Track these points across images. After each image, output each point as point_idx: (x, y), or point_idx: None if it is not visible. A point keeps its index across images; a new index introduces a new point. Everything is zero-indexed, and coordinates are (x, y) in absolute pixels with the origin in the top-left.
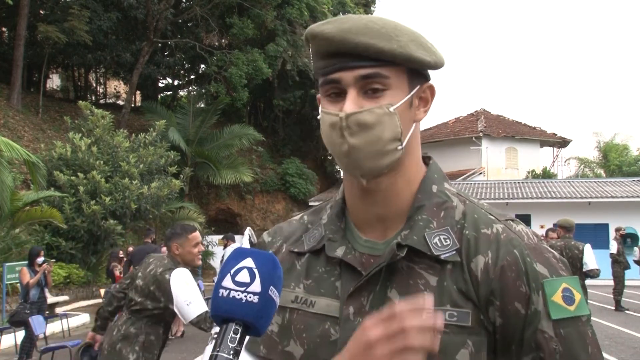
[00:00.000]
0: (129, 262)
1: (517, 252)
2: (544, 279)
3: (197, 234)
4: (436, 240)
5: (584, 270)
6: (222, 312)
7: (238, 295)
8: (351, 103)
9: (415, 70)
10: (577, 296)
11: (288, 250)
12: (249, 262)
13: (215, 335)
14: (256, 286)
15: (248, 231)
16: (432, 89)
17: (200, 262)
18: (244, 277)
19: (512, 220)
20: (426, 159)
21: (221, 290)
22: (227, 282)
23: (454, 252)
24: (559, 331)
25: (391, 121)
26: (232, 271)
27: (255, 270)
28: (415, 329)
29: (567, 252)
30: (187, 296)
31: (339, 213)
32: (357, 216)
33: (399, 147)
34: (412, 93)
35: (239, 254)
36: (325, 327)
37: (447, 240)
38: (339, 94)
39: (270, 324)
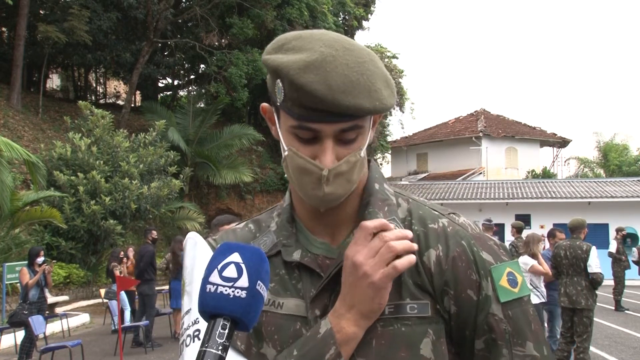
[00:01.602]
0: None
1: (465, 243)
2: (490, 266)
3: (227, 226)
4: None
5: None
6: (209, 307)
7: (225, 290)
8: (331, 155)
9: None
10: (519, 278)
11: None
12: (236, 257)
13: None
14: (244, 281)
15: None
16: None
17: None
18: (231, 272)
19: (454, 214)
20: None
21: (208, 286)
22: (215, 277)
23: None
24: (507, 312)
25: (361, 164)
26: (219, 266)
27: (243, 265)
28: (392, 238)
29: (571, 251)
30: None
31: (289, 219)
32: (307, 221)
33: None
34: (374, 127)
35: (226, 249)
36: (297, 328)
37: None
38: (310, 139)
39: None
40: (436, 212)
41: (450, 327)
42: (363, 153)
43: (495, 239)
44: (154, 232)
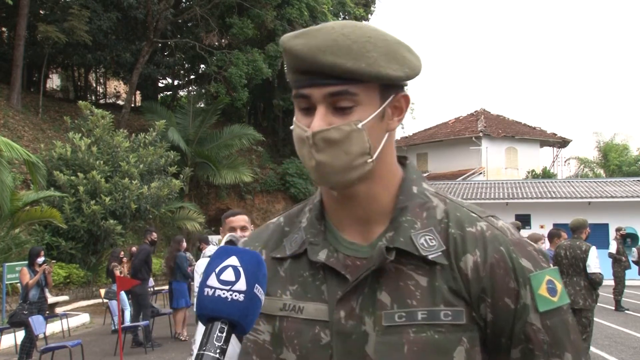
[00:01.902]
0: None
1: (504, 249)
2: (530, 274)
3: (235, 217)
4: (422, 240)
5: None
6: (207, 311)
7: (223, 294)
8: (319, 120)
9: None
10: (559, 286)
11: (269, 257)
12: (233, 260)
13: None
14: (241, 284)
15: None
16: (406, 99)
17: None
18: (229, 275)
19: (493, 217)
20: (402, 159)
21: (206, 289)
22: (212, 280)
23: (440, 254)
24: (545, 322)
25: (359, 137)
26: (216, 270)
27: (240, 269)
28: None
29: (571, 251)
30: (196, 287)
31: (318, 216)
32: (337, 218)
33: (369, 161)
34: (383, 105)
35: (224, 253)
36: (315, 332)
37: (433, 240)
38: (309, 109)
39: (262, 333)
40: (474, 215)
41: (485, 334)
42: (362, 126)
43: (535, 245)
44: (154, 234)
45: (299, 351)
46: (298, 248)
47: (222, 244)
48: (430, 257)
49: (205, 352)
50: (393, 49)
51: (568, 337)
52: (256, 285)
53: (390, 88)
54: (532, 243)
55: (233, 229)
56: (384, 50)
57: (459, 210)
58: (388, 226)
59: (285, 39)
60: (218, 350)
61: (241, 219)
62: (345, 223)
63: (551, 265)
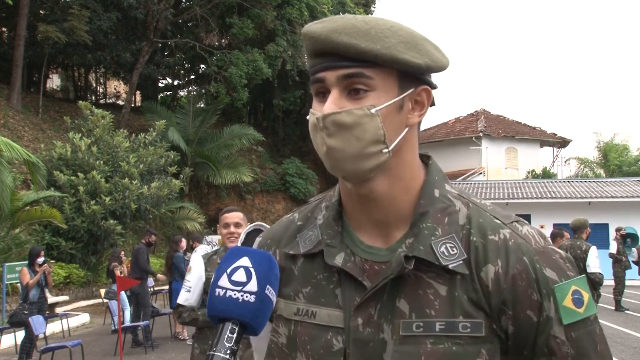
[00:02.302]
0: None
1: (527, 259)
2: (554, 285)
3: (230, 214)
4: (443, 249)
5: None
6: (218, 311)
7: (234, 294)
8: (331, 103)
9: (409, 73)
10: (586, 296)
11: (283, 253)
12: (245, 261)
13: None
14: (253, 285)
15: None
16: (428, 93)
17: (232, 244)
18: (240, 276)
19: (518, 222)
20: (425, 158)
21: (217, 290)
22: (224, 281)
23: (461, 262)
24: (570, 335)
25: (372, 123)
26: (228, 270)
27: (252, 270)
28: None
29: (571, 252)
30: (187, 282)
31: (335, 216)
32: (355, 220)
33: (384, 150)
34: (402, 96)
35: (235, 253)
36: (328, 338)
37: (454, 249)
38: (324, 94)
39: (281, 335)
40: (498, 221)
41: (507, 346)
42: (375, 111)
43: (562, 252)
44: (153, 237)
45: (312, 356)
46: (313, 247)
47: (245, 233)
48: (450, 266)
49: (216, 353)
50: (415, 40)
51: (595, 348)
52: (267, 286)
53: (411, 79)
54: (559, 250)
55: (227, 225)
56: (405, 39)
57: (482, 215)
58: (408, 231)
59: (307, 26)
60: (228, 351)
61: (235, 216)
62: (363, 225)
63: (580, 273)
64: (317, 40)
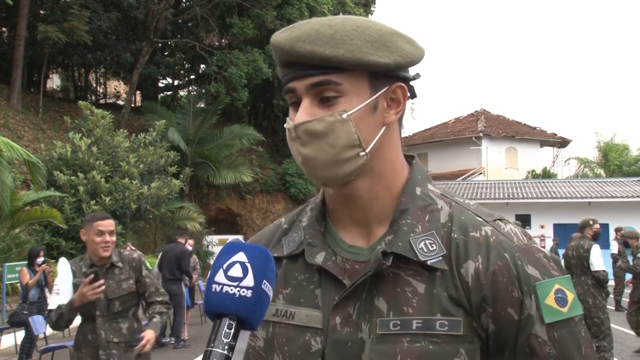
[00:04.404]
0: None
1: (508, 256)
2: (535, 282)
3: (105, 222)
4: (422, 245)
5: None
6: (215, 307)
7: (231, 290)
8: (302, 112)
9: (380, 72)
10: (570, 296)
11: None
12: (241, 256)
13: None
14: (249, 280)
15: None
16: (403, 89)
17: (105, 254)
18: (236, 271)
19: (501, 220)
20: (409, 159)
21: (214, 286)
22: (220, 277)
23: (440, 258)
24: (552, 334)
25: (344, 128)
26: (224, 266)
27: (248, 265)
28: None
29: (575, 252)
30: (56, 286)
31: (318, 216)
32: (338, 219)
33: (361, 154)
34: (374, 97)
35: (231, 248)
36: (306, 339)
37: (433, 245)
38: (297, 103)
39: (257, 339)
40: (480, 219)
41: (487, 346)
42: (347, 116)
43: (546, 252)
44: (192, 241)
45: (289, 358)
46: (295, 248)
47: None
48: (429, 262)
49: (214, 349)
50: (385, 38)
51: (579, 351)
52: (264, 281)
53: (382, 78)
54: (542, 249)
55: (101, 233)
56: (372, 38)
57: (464, 213)
58: (388, 229)
59: (274, 35)
60: (226, 347)
61: (109, 224)
62: (346, 225)
63: (564, 273)
64: (283, 51)
